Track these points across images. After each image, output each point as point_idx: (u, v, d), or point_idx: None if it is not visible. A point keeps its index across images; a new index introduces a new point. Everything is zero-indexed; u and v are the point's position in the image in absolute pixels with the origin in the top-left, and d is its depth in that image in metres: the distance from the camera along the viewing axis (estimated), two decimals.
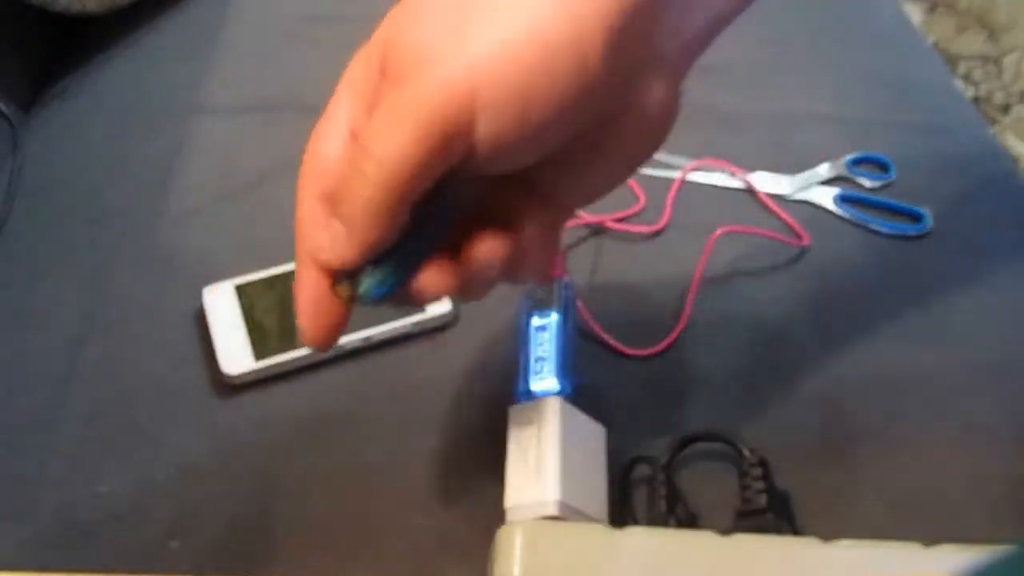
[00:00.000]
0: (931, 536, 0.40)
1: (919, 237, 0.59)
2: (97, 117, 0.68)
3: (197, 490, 0.45)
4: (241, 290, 0.53)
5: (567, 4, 0.29)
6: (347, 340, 0.50)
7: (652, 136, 0.35)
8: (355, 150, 0.31)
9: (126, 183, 0.62)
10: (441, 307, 0.52)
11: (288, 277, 0.54)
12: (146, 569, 0.42)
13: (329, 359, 0.51)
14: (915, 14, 1.48)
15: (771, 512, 0.42)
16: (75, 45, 0.76)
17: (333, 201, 0.31)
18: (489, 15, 0.29)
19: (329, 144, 0.33)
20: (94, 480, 0.46)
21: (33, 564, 0.42)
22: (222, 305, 0.52)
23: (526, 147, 0.30)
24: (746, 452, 0.44)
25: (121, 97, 0.70)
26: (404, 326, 0.51)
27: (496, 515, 0.43)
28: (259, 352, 0.49)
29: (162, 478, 0.46)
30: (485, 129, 0.29)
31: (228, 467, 0.46)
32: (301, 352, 0.50)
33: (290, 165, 0.64)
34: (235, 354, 0.49)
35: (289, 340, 0.50)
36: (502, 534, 0.38)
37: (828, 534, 0.39)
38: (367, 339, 0.51)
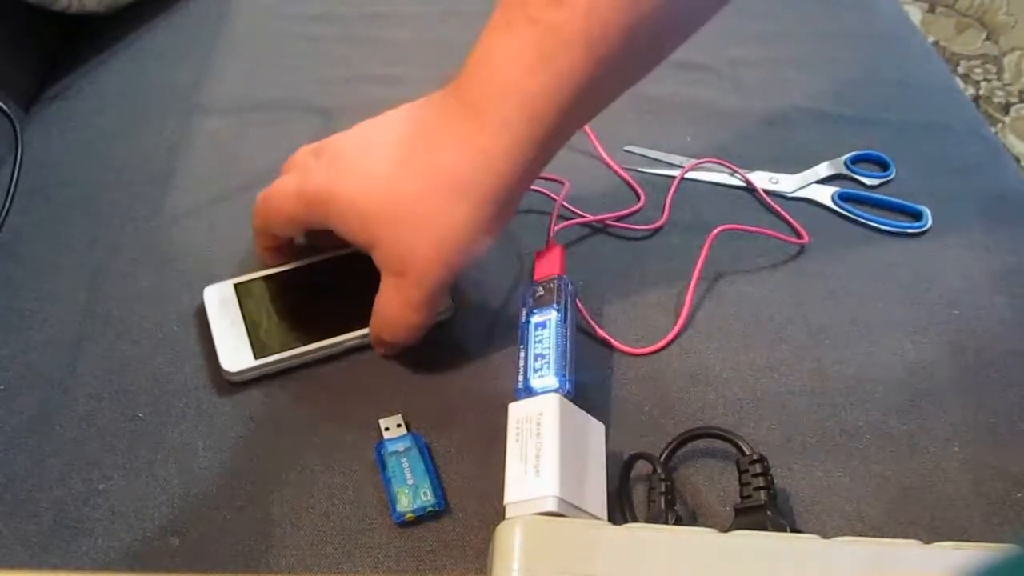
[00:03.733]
0: (930, 534, 0.40)
1: (918, 235, 0.60)
2: (97, 116, 0.68)
3: (196, 488, 0.45)
4: (240, 289, 0.53)
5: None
6: (348, 337, 0.50)
7: None
8: None
9: (126, 183, 0.62)
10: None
11: (285, 276, 0.54)
12: (145, 567, 0.43)
13: (328, 356, 0.51)
14: (915, 13, 1.48)
15: (770, 509, 0.42)
16: (75, 44, 0.76)
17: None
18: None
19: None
20: (94, 478, 0.46)
21: (32, 562, 0.43)
22: (222, 304, 0.52)
23: None
24: (745, 449, 0.44)
25: (121, 96, 0.70)
26: None
27: (495, 511, 0.43)
28: (259, 350, 0.50)
29: (162, 476, 0.46)
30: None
31: (227, 465, 0.46)
32: (300, 350, 0.50)
33: None
34: (235, 352, 0.49)
35: (289, 338, 0.50)
36: (501, 530, 0.38)
37: (827, 531, 0.39)
38: (365, 336, 0.51)
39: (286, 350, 0.50)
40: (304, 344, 0.50)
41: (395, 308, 0.46)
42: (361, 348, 0.51)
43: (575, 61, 0.41)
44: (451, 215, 0.43)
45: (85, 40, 0.76)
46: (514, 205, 0.45)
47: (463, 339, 0.52)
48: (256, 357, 0.49)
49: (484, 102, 0.42)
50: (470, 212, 0.43)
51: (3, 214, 0.53)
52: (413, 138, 0.44)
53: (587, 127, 0.65)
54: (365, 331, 0.51)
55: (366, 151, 0.45)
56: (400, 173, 0.44)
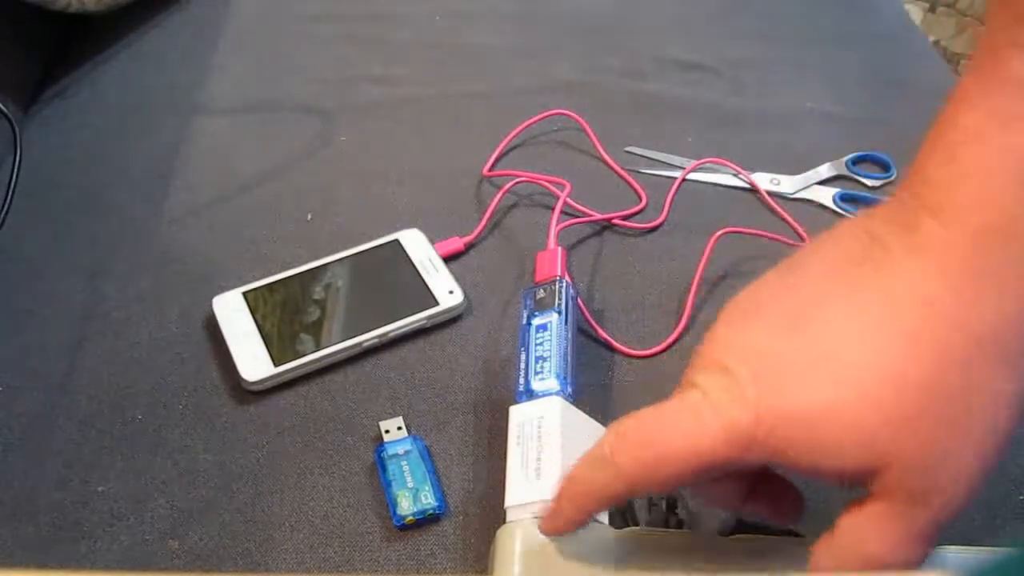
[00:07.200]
0: None
1: None
2: (97, 116, 0.68)
3: (196, 490, 0.45)
4: (249, 297, 0.53)
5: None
6: (366, 337, 0.50)
7: None
8: None
9: (126, 183, 0.62)
10: (453, 299, 0.52)
11: (293, 281, 0.54)
12: (144, 568, 0.42)
13: (346, 359, 0.51)
14: (915, 13, 1.48)
15: None
16: (75, 44, 0.76)
17: None
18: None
19: None
20: (93, 480, 0.46)
21: (32, 563, 0.42)
22: (233, 313, 0.52)
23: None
24: None
25: (121, 96, 0.70)
26: (419, 320, 0.52)
27: (496, 515, 0.43)
28: (277, 358, 0.49)
29: (160, 478, 0.46)
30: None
31: (227, 467, 0.46)
32: (320, 354, 0.50)
33: (289, 165, 0.65)
34: (253, 361, 0.49)
35: (306, 343, 0.50)
36: (502, 534, 0.38)
37: None
38: (384, 335, 0.51)
39: (305, 355, 0.50)
40: (322, 348, 0.50)
41: (896, 546, 0.30)
42: (378, 349, 0.51)
43: None
44: (998, 396, 0.28)
45: (85, 40, 0.76)
46: None
47: (464, 341, 0.52)
48: (276, 365, 0.49)
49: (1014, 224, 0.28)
50: (1016, 382, 0.28)
51: (2, 214, 0.53)
52: (892, 305, 0.29)
53: (589, 128, 0.65)
54: (383, 330, 0.51)
55: (814, 338, 0.30)
56: (911, 352, 0.28)
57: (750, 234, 0.57)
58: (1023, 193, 0.28)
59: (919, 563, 0.30)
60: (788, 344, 0.30)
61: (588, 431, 0.45)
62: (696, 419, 0.30)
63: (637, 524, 0.43)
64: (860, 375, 0.29)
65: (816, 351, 0.30)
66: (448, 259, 0.56)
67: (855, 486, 0.30)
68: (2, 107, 0.53)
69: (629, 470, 0.32)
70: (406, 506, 0.43)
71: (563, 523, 0.35)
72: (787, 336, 0.30)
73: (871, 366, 0.29)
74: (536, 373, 0.46)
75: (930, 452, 0.28)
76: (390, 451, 0.45)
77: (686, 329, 0.53)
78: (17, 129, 0.54)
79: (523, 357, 0.47)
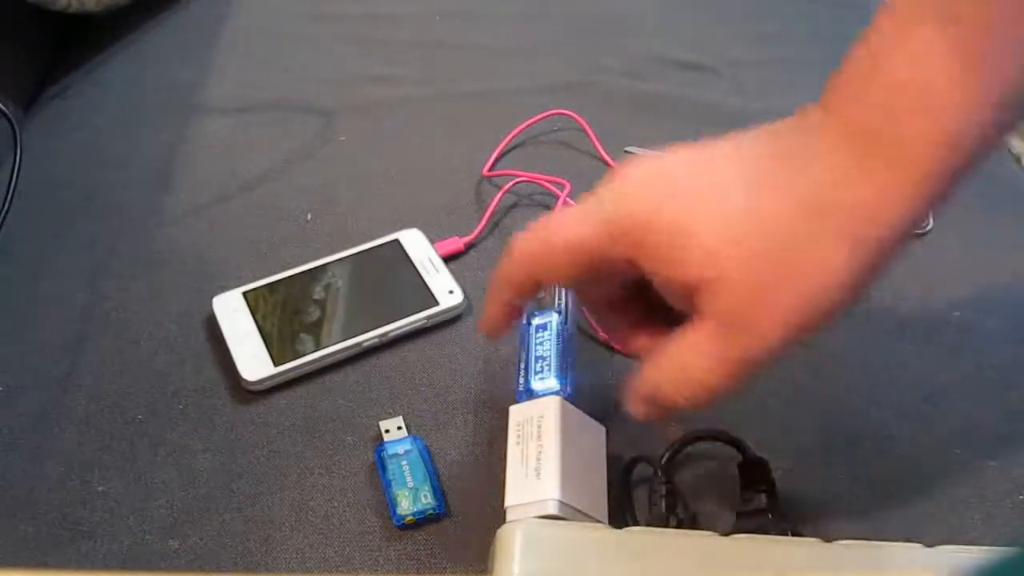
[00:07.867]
0: (932, 537, 0.40)
1: (919, 235, 0.59)
2: (97, 116, 0.68)
3: (196, 490, 0.45)
4: (250, 296, 0.53)
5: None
6: (366, 337, 0.50)
7: None
8: None
9: (126, 183, 0.62)
10: (453, 299, 0.52)
11: (293, 281, 0.54)
12: (144, 568, 0.42)
13: (345, 359, 0.51)
14: None
15: (772, 512, 0.42)
16: (75, 44, 0.76)
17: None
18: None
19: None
20: (93, 480, 0.46)
21: (32, 563, 0.43)
22: (233, 313, 0.52)
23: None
24: (747, 452, 0.44)
25: (121, 96, 0.70)
26: (419, 320, 0.52)
27: (496, 514, 0.43)
28: (277, 357, 0.49)
29: (161, 478, 0.46)
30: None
31: (227, 467, 0.46)
32: (319, 354, 0.50)
33: (289, 165, 0.65)
34: (253, 361, 0.49)
35: (306, 342, 0.50)
36: (502, 534, 0.38)
37: (829, 534, 0.39)
38: (384, 335, 0.51)
39: (305, 355, 0.50)
40: (322, 348, 0.50)
41: (707, 366, 0.35)
42: (378, 348, 0.51)
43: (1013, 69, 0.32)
44: (829, 258, 0.32)
45: (85, 40, 0.76)
46: (890, 263, 0.34)
47: (464, 341, 0.52)
48: (276, 365, 0.49)
49: (883, 123, 0.32)
50: (851, 259, 0.32)
51: (2, 215, 0.53)
52: (773, 160, 0.35)
53: (589, 128, 0.65)
54: (383, 330, 0.51)
55: (700, 172, 0.36)
56: (765, 196, 0.33)
57: None
58: (884, 96, 0.32)
59: (731, 390, 0.36)
60: (681, 176, 0.35)
61: (587, 430, 0.45)
62: (584, 213, 0.37)
63: (636, 523, 0.43)
64: (723, 204, 0.34)
65: (700, 185, 0.35)
66: (448, 259, 0.56)
67: (686, 306, 0.35)
68: (2, 107, 0.53)
69: (522, 255, 0.38)
70: (406, 506, 0.43)
71: (487, 316, 0.42)
72: (681, 169, 0.36)
73: (733, 199, 0.34)
74: (536, 373, 0.46)
75: (758, 280, 0.33)
76: (390, 451, 0.45)
77: None
78: (17, 129, 0.54)
79: (523, 357, 0.47)
